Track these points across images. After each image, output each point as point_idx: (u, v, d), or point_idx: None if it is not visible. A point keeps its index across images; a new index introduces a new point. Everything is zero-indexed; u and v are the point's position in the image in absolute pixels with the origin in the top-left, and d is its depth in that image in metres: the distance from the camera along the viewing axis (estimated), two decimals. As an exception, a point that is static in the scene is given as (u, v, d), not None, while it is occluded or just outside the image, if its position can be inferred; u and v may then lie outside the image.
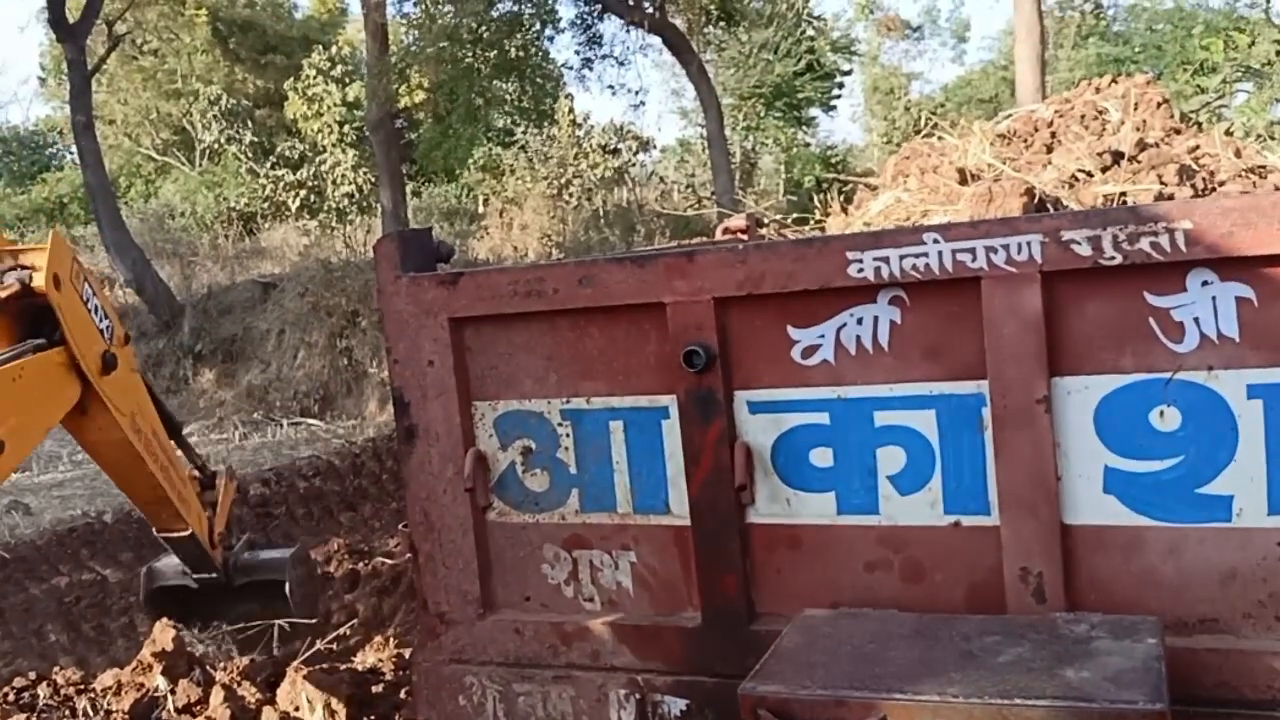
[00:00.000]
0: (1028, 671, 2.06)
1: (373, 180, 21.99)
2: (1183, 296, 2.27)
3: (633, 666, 2.78)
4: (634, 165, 24.52)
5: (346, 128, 23.31)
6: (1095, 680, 1.98)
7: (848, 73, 30.33)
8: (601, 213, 22.13)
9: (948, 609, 2.48)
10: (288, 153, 24.03)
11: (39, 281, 4.23)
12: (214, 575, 5.69)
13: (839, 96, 30.27)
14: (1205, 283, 2.26)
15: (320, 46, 24.42)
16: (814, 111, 29.35)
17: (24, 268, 4.23)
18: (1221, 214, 2.20)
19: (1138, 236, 2.24)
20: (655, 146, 26.69)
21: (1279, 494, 2.25)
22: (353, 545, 9.27)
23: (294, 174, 23.39)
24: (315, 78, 23.37)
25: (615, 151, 23.80)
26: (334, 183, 23.04)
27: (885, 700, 2.02)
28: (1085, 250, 2.28)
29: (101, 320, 4.70)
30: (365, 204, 22.87)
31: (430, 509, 2.95)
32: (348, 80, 23.56)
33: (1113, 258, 2.27)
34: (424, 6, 18.79)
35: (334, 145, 23.23)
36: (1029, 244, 2.32)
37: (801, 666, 2.22)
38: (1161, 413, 2.32)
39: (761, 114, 27.28)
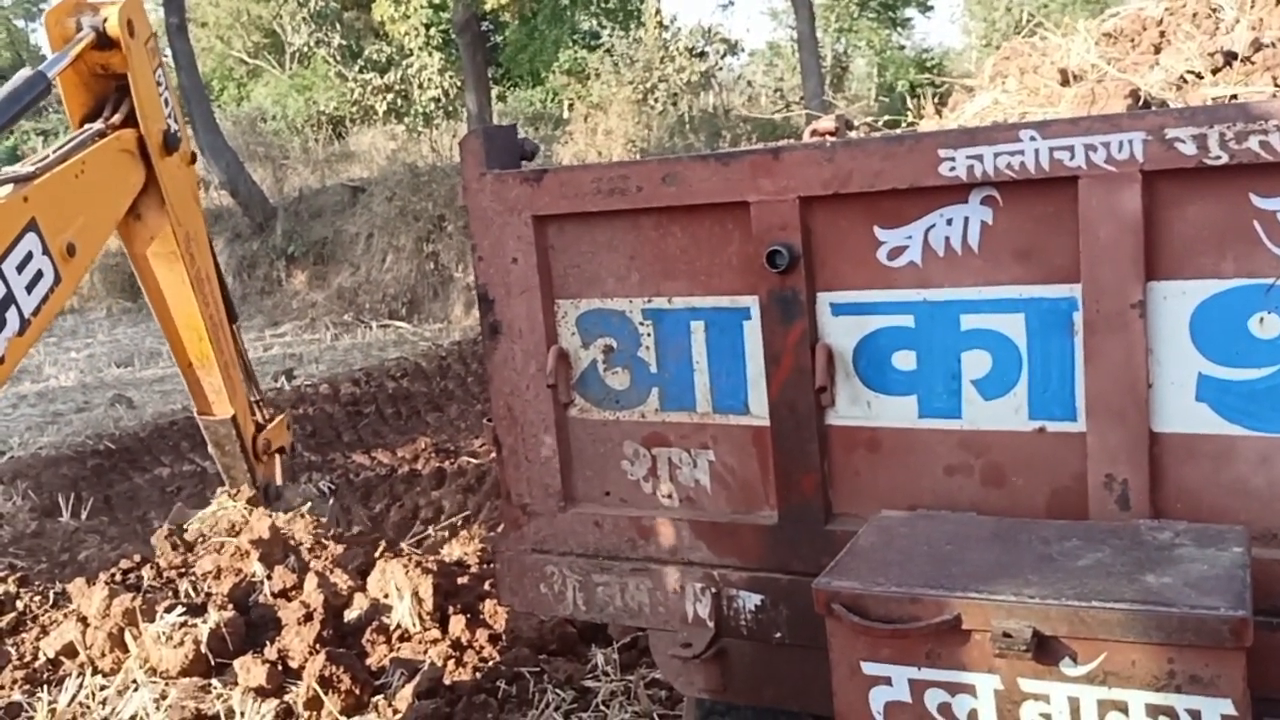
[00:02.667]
0: (1107, 576, 2.04)
1: (459, 84, 21.96)
2: None
3: (709, 562, 2.83)
4: (721, 69, 24.03)
5: (433, 30, 23.21)
6: (1176, 586, 1.96)
7: (947, -28, 29.10)
8: (687, 118, 21.81)
9: (1029, 514, 2.47)
10: (375, 56, 24.08)
11: (112, 23, 4.10)
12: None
13: (936, -3, 29.11)
14: None
15: (407, -53, 24.22)
16: (910, 12, 28.31)
17: (98, 15, 4.09)
18: (1339, 111, 2.08)
19: (1246, 135, 2.14)
20: (744, 49, 26.10)
21: (1383, 405, 2.17)
22: (439, 445, 9.53)
23: (381, 78, 23.47)
24: (402, -21, 23.23)
25: (702, 55, 23.33)
26: (420, 86, 23.07)
27: (959, 599, 2.03)
28: (1190, 149, 2.19)
29: (166, 106, 4.57)
30: (451, 108, 22.89)
31: (514, 404, 3.00)
32: (434, -19, 23.38)
33: (1219, 157, 2.17)
34: (510, -96, 18.46)
35: (420, 48, 23.19)
36: (1130, 142, 2.23)
37: (877, 564, 2.24)
38: (1261, 319, 2.24)
39: (855, 15, 26.42)
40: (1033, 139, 2.32)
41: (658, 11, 23.11)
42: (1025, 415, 2.48)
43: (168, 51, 16.53)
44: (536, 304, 2.92)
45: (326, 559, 5.83)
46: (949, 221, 2.48)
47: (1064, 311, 2.39)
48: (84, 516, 8.17)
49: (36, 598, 5.83)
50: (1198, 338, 2.29)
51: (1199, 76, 4.33)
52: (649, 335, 2.86)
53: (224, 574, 5.65)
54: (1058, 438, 2.45)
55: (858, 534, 2.44)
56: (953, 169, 2.41)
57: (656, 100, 21.86)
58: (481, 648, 4.74)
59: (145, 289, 5.27)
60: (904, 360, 2.60)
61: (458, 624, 4.91)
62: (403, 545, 6.49)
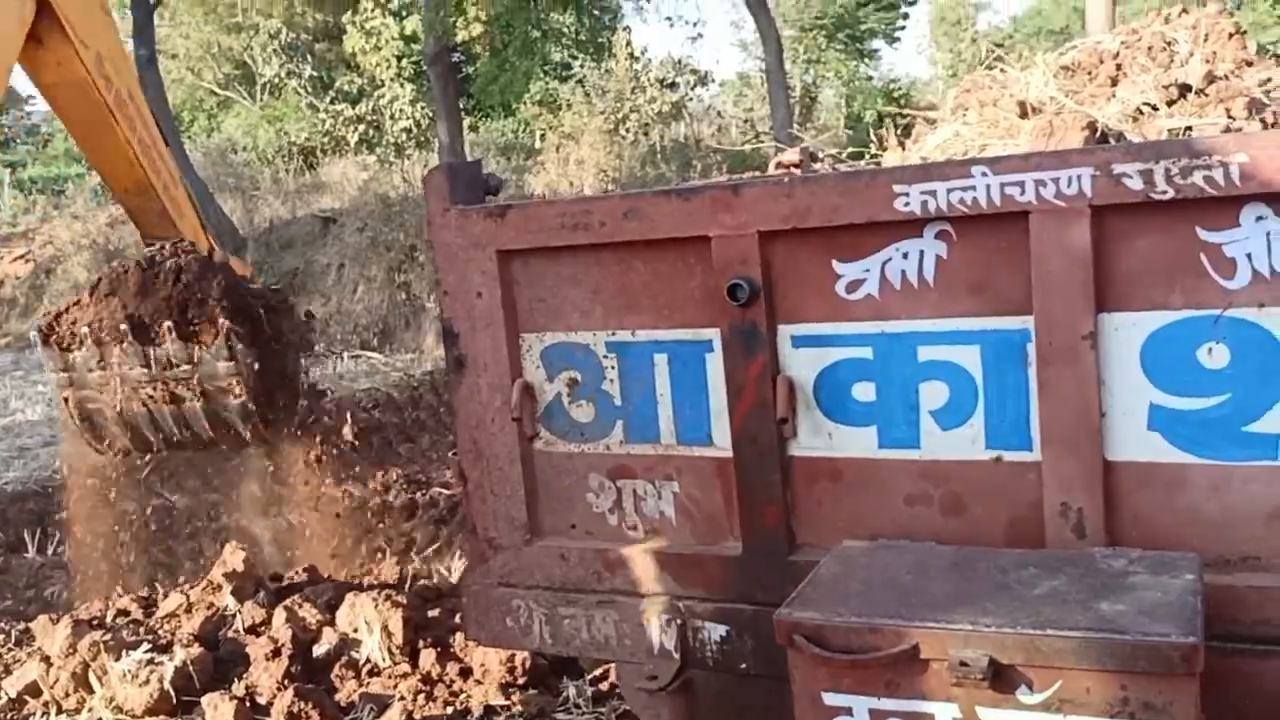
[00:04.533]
0: (1062, 603, 2.07)
1: (430, 115, 22.02)
2: (1236, 231, 2.23)
3: (674, 593, 2.84)
4: (691, 100, 24.23)
5: (404, 62, 23.31)
6: (1129, 613, 1.99)
7: (913, 3, 29.57)
8: (658, 148, 21.96)
9: (987, 543, 2.50)
10: (346, 87, 24.14)
11: None
12: None
13: (903, 28, 29.54)
14: (1260, 218, 2.21)
15: (378, -21, 24.34)
16: (877, 44, 28.72)
17: None
18: (1279, 147, 2.14)
19: (1191, 170, 2.20)
20: (714, 80, 26.32)
21: (1328, 433, 2.22)
22: (410, 476, 9.48)
23: (353, 108, 23.51)
24: (373, 11, 23.33)
25: (673, 86, 23.53)
26: (392, 117, 23.13)
27: (918, 628, 2.05)
28: (1137, 184, 2.24)
29: None
30: (423, 139, 22.94)
31: (479, 438, 3.01)
32: (405, 13, 23.49)
33: (1165, 191, 2.23)
34: (481, -63, 18.61)
35: (392, 79, 23.27)
36: (1079, 177, 2.29)
37: (838, 594, 2.26)
38: (1210, 350, 2.29)
39: (823, 46, 26.75)
40: (984, 175, 2.37)
41: (628, 43, 23.32)
42: (982, 445, 2.52)
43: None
44: (501, 338, 2.94)
45: (296, 593, 5.79)
46: (905, 255, 2.53)
47: (1018, 343, 2.44)
48: (50, 552, 8.07)
49: (0, 635, 5.76)
50: (1148, 368, 2.34)
51: (1154, 109, 4.43)
52: (613, 368, 2.89)
53: (195, 608, 5.61)
54: (1014, 467, 2.48)
55: (819, 564, 2.46)
56: (907, 204, 2.45)
57: (628, 130, 22.01)
58: (452, 682, 4.72)
59: (64, 122, 4.77)
60: (864, 391, 2.63)
61: (428, 658, 4.88)
62: (373, 578, 6.46)
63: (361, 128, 23.13)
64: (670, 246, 2.75)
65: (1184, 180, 2.21)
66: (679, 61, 23.80)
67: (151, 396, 5.38)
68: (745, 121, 24.42)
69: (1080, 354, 2.35)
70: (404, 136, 22.88)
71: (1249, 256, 2.23)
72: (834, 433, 2.67)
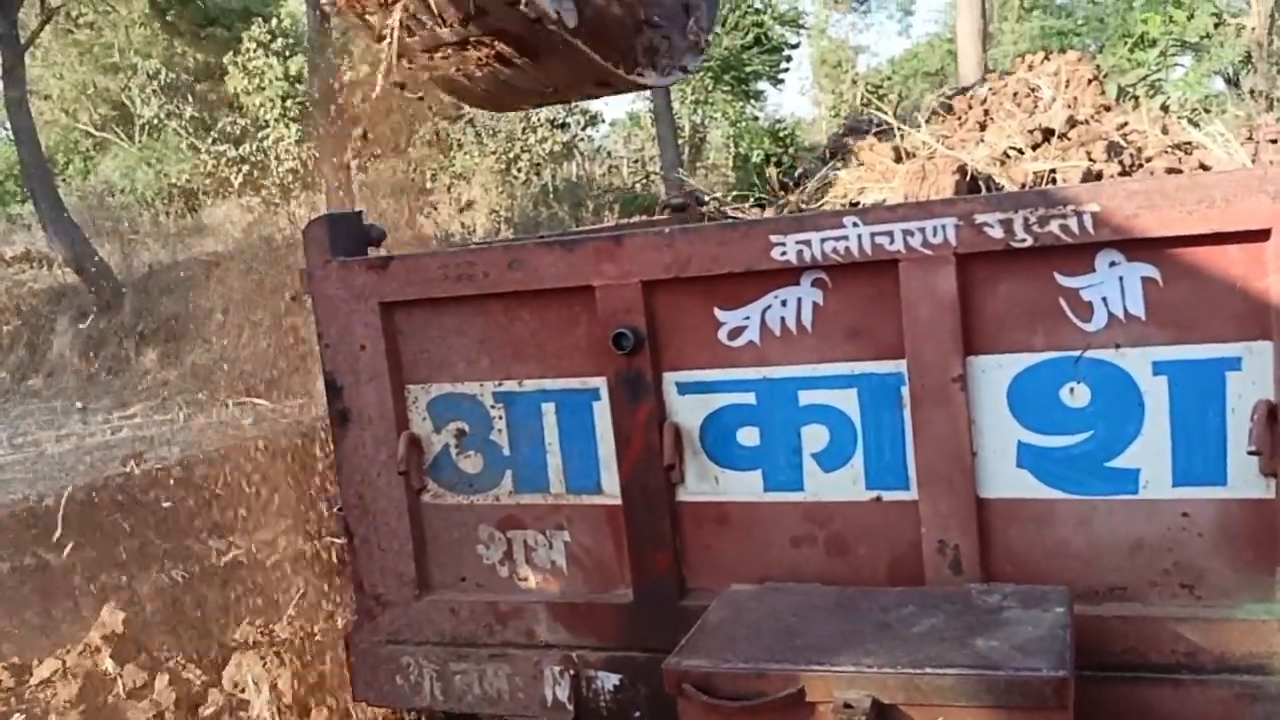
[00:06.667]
0: (940, 641, 2.13)
1: (317, 156, 21.68)
2: (1091, 277, 2.35)
3: (567, 643, 2.83)
4: (583, 139, 24.39)
5: (289, 102, 22.93)
6: (1003, 649, 2.06)
7: (795, 46, 30.31)
8: (550, 188, 22.02)
9: (870, 582, 2.56)
10: (229, 128, 23.62)
11: None
12: None
13: (787, 70, 30.27)
14: (1113, 263, 2.33)
15: (260, 19, 23.97)
16: (762, 85, 29.32)
17: None
18: (1127, 197, 2.27)
19: (1048, 219, 2.31)
20: (604, 120, 26.56)
21: (1183, 466, 2.34)
22: (301, 526, 9.23)
23: (236, 149, 23.01)
24: (256, 51, 22.95)
25: (564, 126, 23.66)
26: (277, 158, 22.70)
27: (803, 671, 2.09)
28: (997, 233, 2.35)
29: None
30: (309, 180, 22.56)
31: (365, 492, 2.97)
32: (289, 54, 23.16)
33: (1024, 240, 2.33)
34: (367, -21, 18.46)
35: (277, 120, 22.86)
36: (943, 227, 2.38)
37: (725, 640, 2.28)
38: (1072, 389, 2.40)
39: (710, 88, 27.22)
40: (855, 225, 2.45)
41: (518, 83, 23.35)
42: (863, 485, 2.59)
43: (7, 126, 15.94)
44: (386, 390, 2.91)
45: (179, 654, 5.58)
46: (783, 303, 2.59)
47: (893, 386, 2.51)
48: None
49: None
50: (1015, 408, 2.44)
51: (1020, 152, 4.63)
52: (501, 418, 2.88)
53: (72, 673, 5.36)
54: (893, 506, 2.56)
55: (707, 609, 2.48)
56: (784, 253, 2.52)
57: (520, 170, 22.02)
58: (345, 740, 4.59)
59: None
60: (748, 436, 2.68)
61: (320, 717, 4.74)
62: (260, 634, 6.26)
63: (246, 169, 22.65)
64: (555, 296, 2.76)
65: (1041, 229, 2.32)
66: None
67: None
68: (635, 161, 24.67)
69: (951, 395, 2.44)
70: (290, 178, 22.47)
71: (1104, 300, 2.35)
72: (720, 477, 2.71)
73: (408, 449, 2.90)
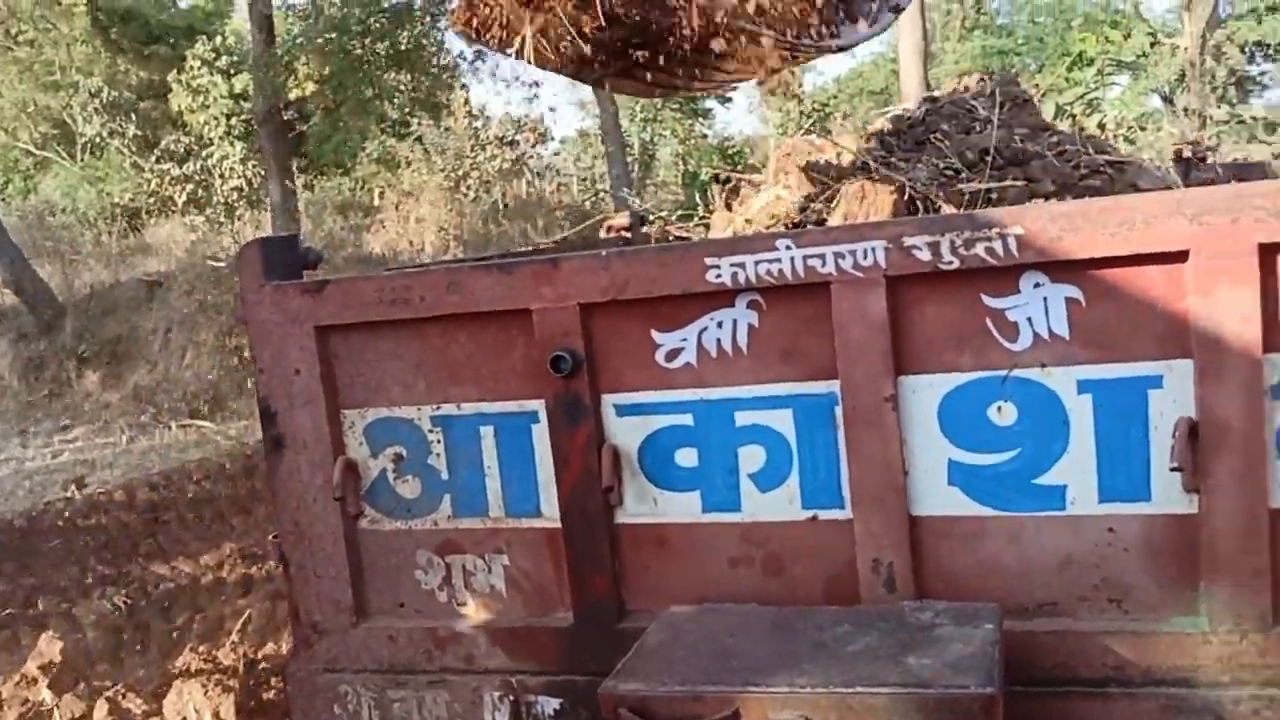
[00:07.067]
0: (874, 660, 2.15)
1: (262, 174, 21.49)
2: (1017, 298, 2.40)
3: (507, 668, 2.82)
4: (533, 157, 24.40)
5: (234, 120, 22.71)
6: (934, 666, 2.09)
7: (743, 63, 30.55)
8: (500, 205, 21.98)
9: (807, 601, 2.58)
10: (173, 146, 23.33)
11: None
12: None
13: (735, 88, 30.50)
14: (1037, 284, 2.38)
15: (205, 37, 23.74)
16: (711, 103, 29.55)
17: None
18: (1050, 219, 2.32)
19: (974, 242, 2.36)
20: (554, 138, 26.63)
21: (1108, 483, 2.39)
22: (245, 550, 9.08)
23: (180, 168, 22.72)
24: (200, 69, 22.72)
25: (513, 143, 23.66)
26: (222, 176, 22.46)
27: (738, 694, 2.10)
28: (925, 255, 2.39)
29: None
30: (254, 198, 22.34)
31: (301, 518, 2.94)
32: (234, 71, 22.96)
33: (951, 262, 2.38)
34: (310, -3, 18.40)
35: (221, 138, 22.63)
36: (874, 250, 2.42)
37: (661, 663, 2.29)
38: (999, 408, 2.44)
39: (659, 105, 27.37)
40: (789, 248, 2.48)
41: (466, 101, 23.34)
42: (799, 505, 2.61)
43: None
44: (321, 415, 2.89)
45: (119, 682, 5.47)
46: (719, 324, 2.62)
47: (826, 406, 2.54)
48: None
49: None
50: (945, 427, 2.48)
51: (957, 173, 4.71)
52: (439, 442, 2.87)
53: (7, 704, 5.23)
54: (829, 525, 2.58)
55: (645, 632, 2.49)
56: (719, 276, 2.54)
57: (469, 188, 21.97)
58: (288, 768, 4.52)
59: None
60: (686, 457, 2.69)
61: (262, 744, 4.67)
62: (203, 661, 6.15)
63: (190, 187, 22.37)
64: (492, 319, 2.76)
65: (968, 251, 2.36)
66: (519, 120, 23.96)
67: None
68: (584, 179, 24.72)
69: (883, 415, 2.47)
70: (235, 196, 22.23)
71: (1029, 320, 2.40)
72: (659, 499, 2.72)
73: (344, 474, 2.87)
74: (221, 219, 21.49)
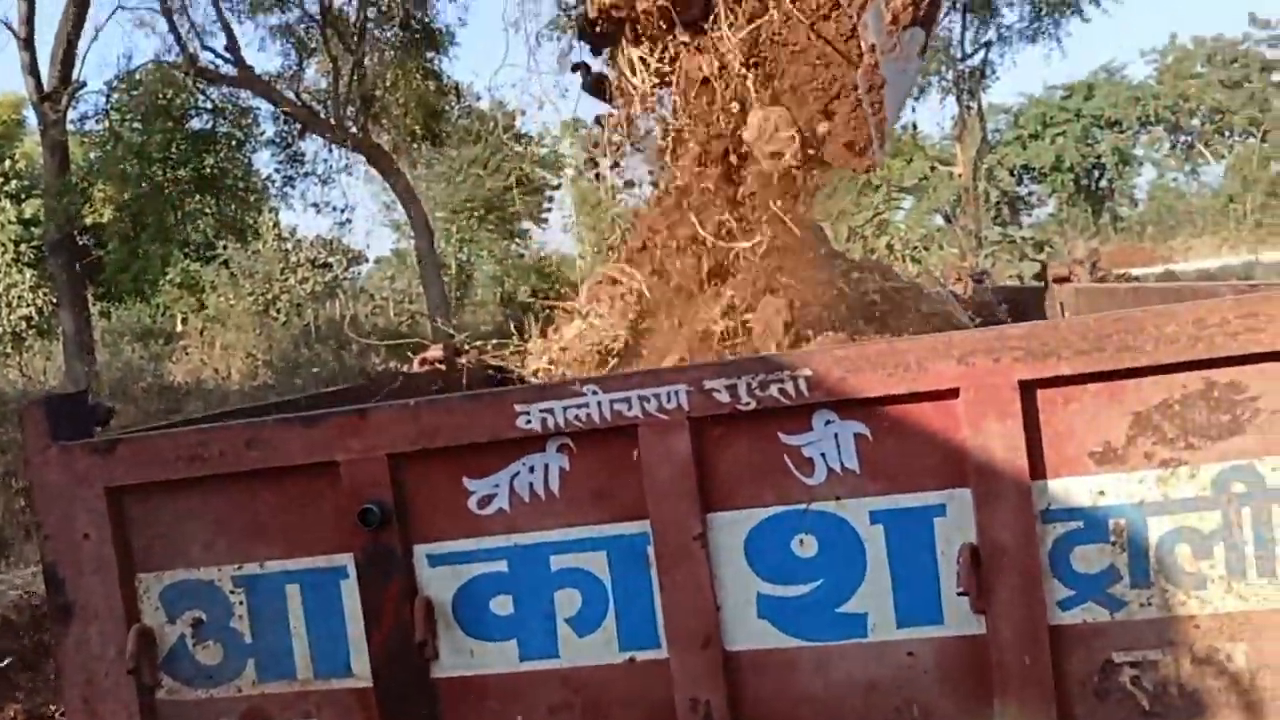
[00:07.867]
0: (692, 805, 2.16)
1: (54, 302, 20.41)
2: (810, 435, 2.52)
3: None
4: (347, 279, 24.13)
5: (24, 246, 21.60)
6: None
7: (556, 187, 31.33)
8: (313, 328, 21.52)
9: None
10: (-45, 274, 21.95)
11: None
12: None
13: (549, 210, 31.16)
14: (828, 422, 2.52)
15: (-8, 161, 22.66)
16: (526, 224, 30.07)
17: None
18: (835, 362, 2.47)
19: (768, 383, 2.48)
20: (368, 260, 26.42)
21: (905, 608, 2.51)
22: (33, 710, 8.33)
23: (-37, 296, 21.36)
24: (-13, 194, 21.62)
25: (326, 266, 23.35)
26: (9, 305, 21.20)
27: None
28: (724, 397, 2.50)
29: None
30: (45, 327, 21.14)
31: (90, 694, 2.74)
32: (24, 196, 21.92)
33: (749, 403, 2.49)
34: (108, 124, 17.85)
35: (9, 265, 21.44)
36: (676, 393, 2.51)
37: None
38: (801, 540, 2.54)
39: (475, 227, 27.66)
40: (595, 393, 2.55)
41: (276, 224, 22.96)
42: (616, 648, 2.62)
43: None
44: (114, 581, 2.73)
45: None
46: (531, 469, 2.64)
47: (639, 546, 2.59)
48: None
49: None
50: (753, 560, 2.56)
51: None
52: (242, 604, 2.76)
53: None
54: (647, 666, 2.60)
55: (463, 793, 2.42)
56: (529, 421, 2.58)
57: (279, 311, 21.46)
58: None
59: None
60: (502, 605, 2.67)
61: None
62: None
63: (-27, 317, 21.02)
64: (297, 473, 2.70)
65: (763, 392, 2.49)
66: (331, 242, 23.70)
67: None
68: (400, 301, 24.55)
69: (693, 552, 2.54)
70: (24, 325, 20.98)
71: (823, 455, 2.53)
72: (475, 650, 2.68)
73: (138, 643, 2.71)
74: (8, 350, 20.20)
